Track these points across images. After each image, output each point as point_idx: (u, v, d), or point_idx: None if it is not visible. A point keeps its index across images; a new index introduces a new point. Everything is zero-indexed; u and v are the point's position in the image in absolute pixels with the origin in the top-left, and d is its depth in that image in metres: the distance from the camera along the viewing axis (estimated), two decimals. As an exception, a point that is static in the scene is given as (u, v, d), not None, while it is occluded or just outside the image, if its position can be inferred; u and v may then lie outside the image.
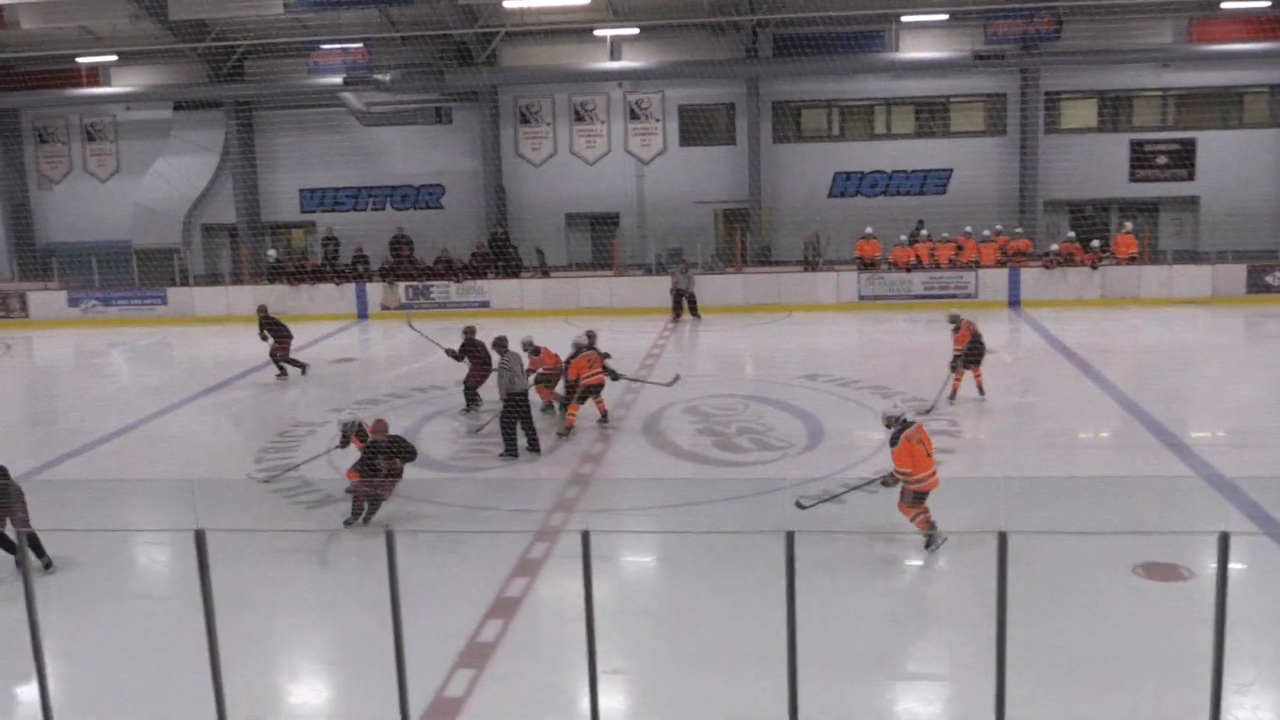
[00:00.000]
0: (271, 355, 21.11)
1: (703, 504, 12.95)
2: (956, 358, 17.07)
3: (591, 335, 16.90)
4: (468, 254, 29.37)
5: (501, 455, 14.90)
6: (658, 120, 31.21)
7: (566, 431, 16.00)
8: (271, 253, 30.49)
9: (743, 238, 29.60)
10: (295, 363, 21.36)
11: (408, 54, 30.18)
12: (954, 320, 17.30)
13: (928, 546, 10.82)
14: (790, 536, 6.38)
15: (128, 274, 30.76)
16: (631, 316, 26.28)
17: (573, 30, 29.60)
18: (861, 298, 27.45)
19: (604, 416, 16.53)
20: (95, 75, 31.73)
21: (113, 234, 32.41)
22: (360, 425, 12.84)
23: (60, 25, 29.35)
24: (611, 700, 8.22)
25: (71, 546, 10.95)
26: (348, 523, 12.14)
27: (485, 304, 28.55)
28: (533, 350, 16.92)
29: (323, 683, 9.40)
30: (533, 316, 27.47)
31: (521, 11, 28.79)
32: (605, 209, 31.46)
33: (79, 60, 30.90)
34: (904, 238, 28.04)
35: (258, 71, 31.39)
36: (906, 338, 24.16)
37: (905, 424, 10.98)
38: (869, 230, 27.72)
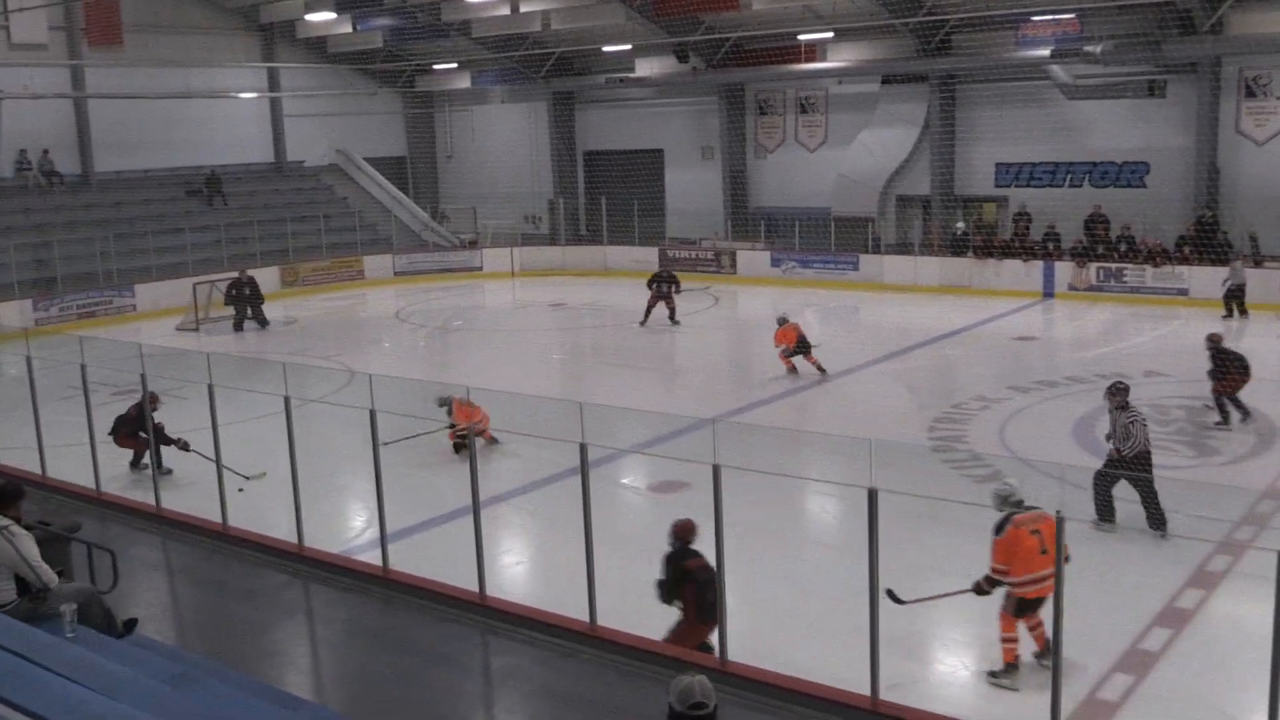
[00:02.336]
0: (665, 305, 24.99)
1: None
2: None
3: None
4: (1169, 237, 27.45)
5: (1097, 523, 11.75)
6: None
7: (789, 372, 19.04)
8: (960, 225, 30.68)
9: None
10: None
11: (1124, 24, 28.57)
12: None
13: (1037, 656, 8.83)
14: None
15: (825, 240, 32.64)
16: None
17: (1321, -9, 26.29)
18: None
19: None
20: (813, 51, 33.69)
21: (814, 201, 34.42)
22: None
23: (786, 5, 31.60)
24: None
25: (748, 488, 11.82)
26: None
27: (1183, 292, 26.50)
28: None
29: (968, 655, 9.39)
30: (1237, 308, 25.05)
31: (1260, -27, 26.11)
32: (1342, 193, 27.71)
33: (800, 37, 33.00)
34: None
35: (965, 45, 31.47)
36: None
37: (1018, 507, 8.76)
38: None
